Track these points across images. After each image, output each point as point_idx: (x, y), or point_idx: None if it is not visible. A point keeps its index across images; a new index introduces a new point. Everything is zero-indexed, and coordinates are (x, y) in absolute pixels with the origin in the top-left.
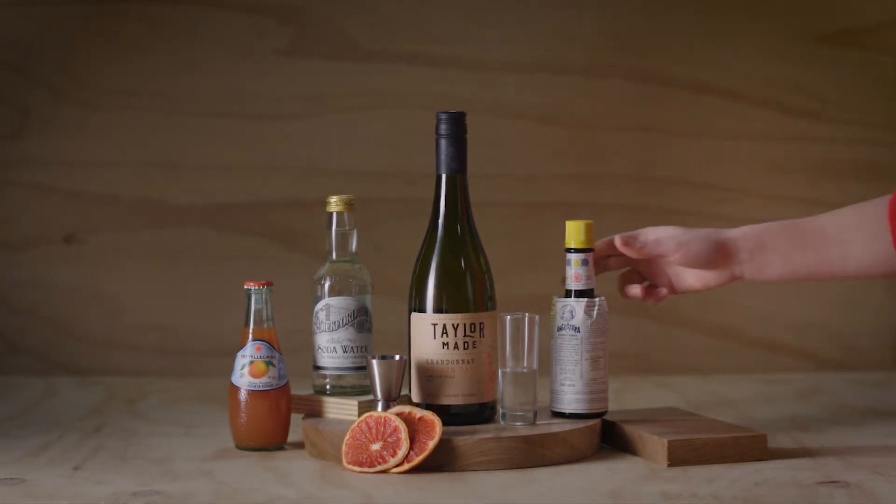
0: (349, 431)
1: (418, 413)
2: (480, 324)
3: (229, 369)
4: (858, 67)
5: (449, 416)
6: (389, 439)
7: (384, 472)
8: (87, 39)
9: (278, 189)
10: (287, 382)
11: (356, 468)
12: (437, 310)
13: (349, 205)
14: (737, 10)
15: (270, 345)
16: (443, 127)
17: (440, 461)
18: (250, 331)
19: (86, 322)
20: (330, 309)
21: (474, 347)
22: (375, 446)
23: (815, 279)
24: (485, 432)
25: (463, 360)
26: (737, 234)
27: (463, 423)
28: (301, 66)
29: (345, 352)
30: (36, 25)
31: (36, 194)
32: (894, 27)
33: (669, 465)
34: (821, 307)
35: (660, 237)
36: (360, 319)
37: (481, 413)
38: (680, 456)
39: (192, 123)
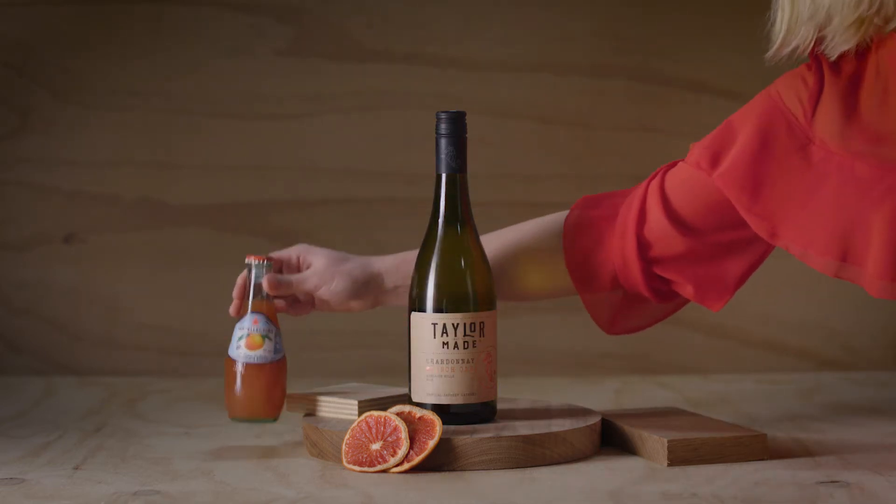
0: (349, 431)
1: (418, 412)
2: (480, 323)
3: None
4: None
5: (449, 415)
6: (389, 439)
7: (384, 471)
8: (87, 39)
9: (278, 189)
10: (283, 357)
11: (356, 468)
12: (437, 309)
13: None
14: (737, 10)
15: (268, 318)
16: (443, 126)
17: (440, 461)
18: (249, 304)
19: (86, 322)
20: None
21: (474, 347)
22: (375, 446)
23: None
24: (485, 432)
25: (463, 360)
26: (383, 268)
27: (463, 422)
28: (301, 66)
29: None
30: (36, 25)
31: (36, 194)
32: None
33: (669, 465)
34: (821, 307)
35: (305, 276)
36: None
37: (481, 413)
38: (680, 455)
39: (192, 123)
